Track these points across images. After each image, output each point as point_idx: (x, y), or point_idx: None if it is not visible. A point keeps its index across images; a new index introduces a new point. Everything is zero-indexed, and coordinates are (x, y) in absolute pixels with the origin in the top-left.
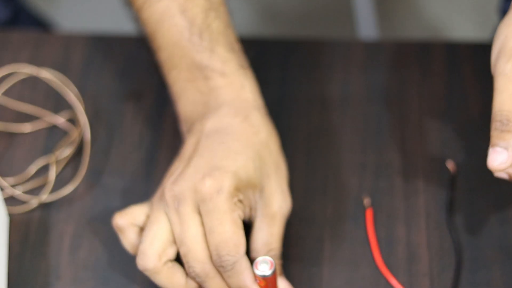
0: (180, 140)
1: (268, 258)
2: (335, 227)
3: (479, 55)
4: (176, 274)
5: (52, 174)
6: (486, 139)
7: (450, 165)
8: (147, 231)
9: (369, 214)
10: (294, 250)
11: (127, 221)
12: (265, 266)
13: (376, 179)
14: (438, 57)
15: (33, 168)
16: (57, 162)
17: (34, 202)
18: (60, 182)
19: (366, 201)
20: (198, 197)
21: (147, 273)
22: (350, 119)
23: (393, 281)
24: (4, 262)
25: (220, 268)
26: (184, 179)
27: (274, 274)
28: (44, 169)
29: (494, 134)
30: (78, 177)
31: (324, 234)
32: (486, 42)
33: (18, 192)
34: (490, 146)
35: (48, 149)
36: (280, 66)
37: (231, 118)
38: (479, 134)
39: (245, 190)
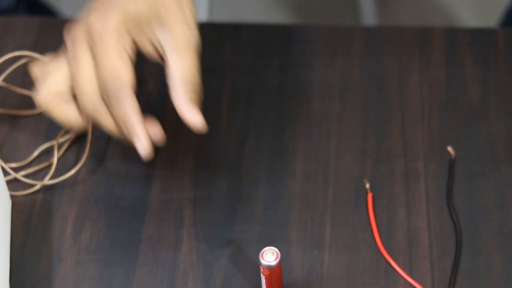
0: (182, 124)
1: (274, 249)
2: (336, 211)
3: (479, 42)
4: (69, 110)
5: (55, 157)
6: (486, 124)
7: (451, 150)
8: (45, 72)
9: (370, 198)
10: (295, 234)
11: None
12: (270, 256)
13: (376, 164)
14: (439, 43)
15: (35, 152)
16: (60, 145)
17: (36, 184)
18: (63, 166)
19: (367, 185)
20: (89, 36)
21: (42, 109)
22: (351, 105)
23: (394, 264)
24: (7, 245)
25: (106, 101)
26: (80, 22)
27: (279, 264)
28: (47, 153)
29: None
30: (81, 160)
31: (325, 218)
32: (487, 28)
33: (20, 175)
34: None
35: (50, 133)
36: (281, 52)
37: None
38: (479, 120)
39: (137, 24)
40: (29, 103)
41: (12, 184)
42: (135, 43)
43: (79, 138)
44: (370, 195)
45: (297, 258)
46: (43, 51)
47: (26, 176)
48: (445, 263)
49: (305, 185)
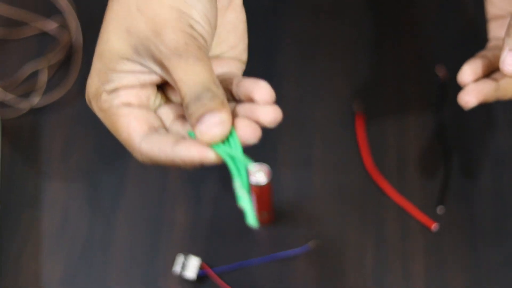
0: None
1: (266, 167)
2: (326, 131)
3: None
4: None
5: (44, 78)
6: (478, 47)
7: (441, 71)
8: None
9: (359, 117)
10: (285, 156)
11: None
12: (260, 174)
13: (367, 85)
14: None
15: (24, 73)
16: (49, 67)
17: (25, 106)
18: (52, 88)
19: (356, 104)
20: None
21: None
22: (342, 27)
23: (384, 184)
24: None
25: None
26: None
27: (269, 183)
28: (36, 74)
29: None
30: (70, 82)
31: (314, 138)
32: None
33: (9, 97)
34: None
35: (39, 55)
36: None
37: None
38: (471, 42)
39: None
40: (17, 23)
41: (1, 106)
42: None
43: (69, 60)
44: (359, 114)
45: (285, 179)
46: None
47: (15, 98)
48: (435, 182)
49: (296, 106)
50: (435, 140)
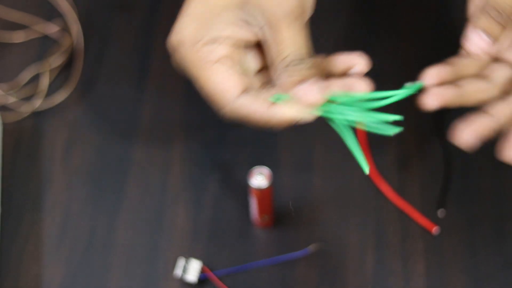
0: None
1: (266, 170)
2: (326, 134)
3: None
4: None
5: (45, 82)
6: None
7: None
8: None
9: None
10: (285, 159)
11: None
12: (260, 177)
13: None
14: None
15: (25, 76)
16: (50, 70)
17: (27, 110)
18: (53, 91)
19: None
20: None
21: None
22: (340, 30)
23: (385, 187)
24: None
25: None
26: None
27: (270, 186)
28: (37, 78)
29: (487, 20)
30: (71, 85)
31: (315, 141)
32: None
33: (10, 100)
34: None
35: (40, 58)
36: None
37: None
38: None
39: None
40: (19, 26)
41: (2, 109)
42: None
43: (70, 63)
44: None
45: (286, 181)
46: None
47: (16, 101)
48: (435, 185)
49: None
50: (436, 143)
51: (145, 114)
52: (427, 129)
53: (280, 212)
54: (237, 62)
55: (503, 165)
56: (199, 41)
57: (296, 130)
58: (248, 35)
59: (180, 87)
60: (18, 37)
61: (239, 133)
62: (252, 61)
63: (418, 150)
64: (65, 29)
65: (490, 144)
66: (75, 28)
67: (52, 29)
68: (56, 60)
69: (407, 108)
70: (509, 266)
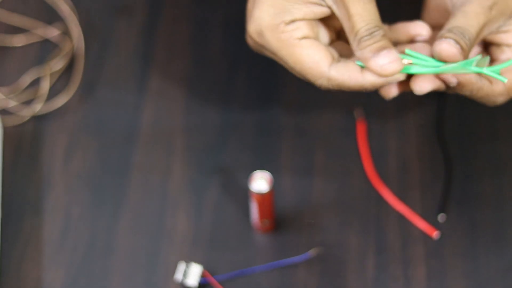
0: (174, 51)
1: (267, 175)
2: (327, 139)
3: None
4: None
5: (46, 85)
6: None
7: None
8: None
9: (360, 125)
10: (286, 163)
11: None
12: (261, 182)
13: (368, 93)
14: None
15: (26, 80)
16: (51, 74)
17: (27, 113)
18: (54, 95)
19: (357, 112)
20: None
21: None
22: None
23: (385, 191)
24: None
25: None
26: None
27: (271, 191)
28: (38, 81)
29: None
30: (72, 89)
31: (316, 145)
32: None
33: (11, 104)
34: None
35: (41, 62)
36: None
37: None
38: None
39: None
40: (19, 30)
41: (3, 112)
42: None
43: (71, 67)
44: (360, 121)
45: (286, 185)
46: None
47: (17, 105)
48: (435, 190)
49: (298, 113)
50: (437, 147)
51: (145, 118)
52: (428, 134)
53: (281, 216)
54: (317, 38)
55: (504, 170)
56: (280, 24)
57: (297, 134)
58: (320, 12)
59: (180, 91)
60: (19, 41)
61: (240, 138)
62: (324, 36)
63: (418, 155)
64: (66, 33)
65: (491, 150)
66: (76, 32)
67: (52, 32)
68: (56, 64)
69: (408, 113)
70: (510, 271)
